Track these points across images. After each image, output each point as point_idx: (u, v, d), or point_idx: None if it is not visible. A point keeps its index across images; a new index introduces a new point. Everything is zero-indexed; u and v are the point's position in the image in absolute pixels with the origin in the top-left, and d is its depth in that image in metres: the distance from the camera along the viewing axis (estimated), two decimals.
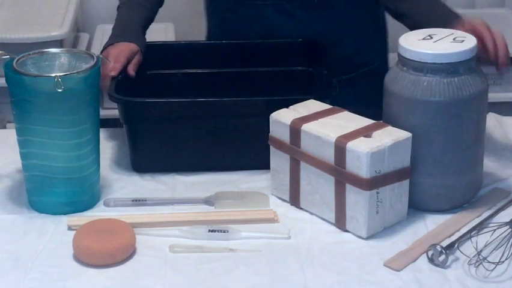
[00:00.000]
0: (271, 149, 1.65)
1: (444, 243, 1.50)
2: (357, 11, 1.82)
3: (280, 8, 1.95)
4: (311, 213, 1.62)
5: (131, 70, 1.82)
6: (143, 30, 1.92)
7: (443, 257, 1.47)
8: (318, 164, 1.56)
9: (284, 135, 1.61)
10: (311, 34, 1.94)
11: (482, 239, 1.52)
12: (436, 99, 1.55)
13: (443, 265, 1.47)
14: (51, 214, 1.62)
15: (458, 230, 1.56)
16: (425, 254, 1.50)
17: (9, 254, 1.52)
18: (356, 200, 1.53)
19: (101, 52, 1.86)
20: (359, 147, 1.50)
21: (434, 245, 1.48)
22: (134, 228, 1.54)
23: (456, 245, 1.50)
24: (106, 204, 1.66)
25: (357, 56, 1.97)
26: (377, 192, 1.52)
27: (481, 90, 1.58)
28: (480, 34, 1.65)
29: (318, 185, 1.58)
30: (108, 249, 1.48)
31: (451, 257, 1.48)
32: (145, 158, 1.76)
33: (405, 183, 1.57)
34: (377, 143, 1.51)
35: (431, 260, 1.48)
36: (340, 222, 1.57)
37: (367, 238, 1.55)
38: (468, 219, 1.60)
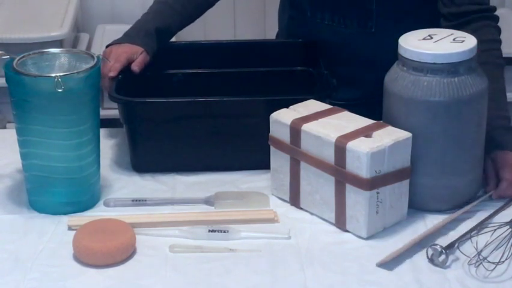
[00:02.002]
0: (271, 149, 1.65)
1: (444, 243, 1.50)
2: None
3: (336, 31, 1.96)
4: (311, 213, 1.62)
5: (135, 66, 1.82)
6: (161, 33, 1.89)
7: (443, 257, 1.47)
8: (318, 164, 1.56)
9: (284, 135, 1.61)
10: (363, 59, 1.95)
11: (482, 239, 1.52)
12: (436, 99, 1.55)
13: (443, 265, 1.47)
14: (51, 214, 1.62)
15: (455, 229, 1.56)
16: (422, 254, 1.50)
17: (9, 254, 1.52)
18: (356, 200, 1.53)
19: (106, 48, 1.86)
20: (359, 147, 1.50)
21: (434, 245, 1.48)
22: (134, 228, 1.54)
23: (456, 245, 1.50)
24: (106, 204, 1.66)
25: None
26: (377, 192, 1.52)
27: (481, 90, 1.57)
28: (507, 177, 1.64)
29: (318, 185, 1.58)
30: (108, 249, 1.48)
31: (451, 257, 1.48)
32: (145, 158, 1.76)
33: (405, 183, 1.57)
34: (377, 143, 1.51)
35: (431, 260, 1.48)
36: (340, 222, 1.57)
37: (367, 238, 1.55)
38: (464, 219, 1.59)
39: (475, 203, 1.62)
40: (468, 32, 1.64)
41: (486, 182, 1.66)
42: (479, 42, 1.62)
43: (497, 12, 1.86)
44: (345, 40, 1.96)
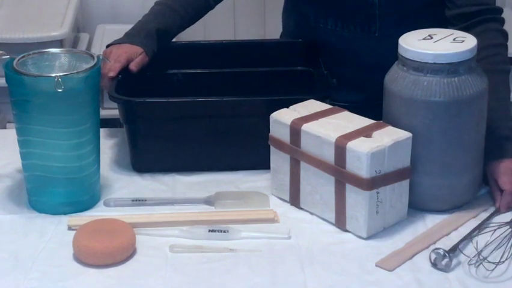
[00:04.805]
0: (271, 149, 1.65)
1: (444, 245, 1.50)
2: None
3: (339, 35, 1.96)
4: (311, 213, 1.62)
5: (133, 66, 1.82)
6: (161, 34, 1.89)
7: (446, 260, 1.46)
8: (318, 164, 1.56)
9: (284, 135, 1.61)
10: (367, 62, 1.95)
11: (482, 239, 1.52)
12: (436, 99, 1.55)
13: (447, 269, 1.46)
14: (51, 214, 1.62)
15: (456, 229, 1.56)
16: (422, 254, 1.50)
17: (9, 254, 1.52)
18: (356, 200, 1.53)
19: (106, 47, 1.86)
20: (359, 147, 1.50)
21: (436, 249, 1.47)
22: (134, 228, 1.54)
23: (459, 247, 1.50)
24: (106, 204, 1.66)
25: None
26: (377, 192, 1.52)
27: (481, 90, 1.57)
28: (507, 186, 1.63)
29: (318, 185, 1.58)
30: (108, 249, 1.48)
31: (453, 260, 1.47)
32: (145, 158, 1.76)
33: (405, 183, 1.57)
34: (377, 143, 1.51)
35: (434, 265, 1.47)
36: (340, 222, 1.57)
37: (367, 238, 1.55)
38: (464, 219, 1.60)
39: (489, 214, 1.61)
40: None
41: (493, 198, 1.64)
42: (480, 49, 1.60)
43: None
44: (349, 44, 1.96)
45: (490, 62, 1.70)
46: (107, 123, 1.94)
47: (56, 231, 1.58)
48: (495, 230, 1.52)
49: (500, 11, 1.82)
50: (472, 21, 1.79)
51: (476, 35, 1.66)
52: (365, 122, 1.59)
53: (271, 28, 2.97)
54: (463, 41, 1.59)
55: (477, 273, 1.45)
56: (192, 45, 2.04)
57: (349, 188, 1.53)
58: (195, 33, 2.51)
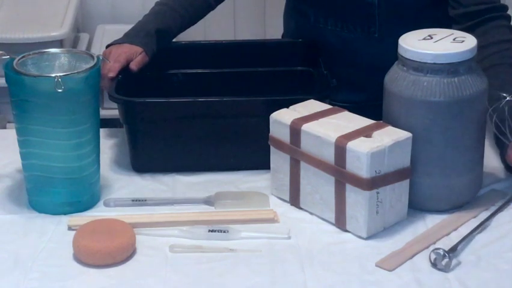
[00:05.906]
0: (271, 149, 1.65)
1: (444, 245, 1.50)
2: None
3: (339, 35, 1.96)
4: (311, 213, 1.62)
5: (133, 65, 1.82)
6: (161, 34, 1.89)
7: (446, 260, 1.46)
8: (318, 164, 1.56)
9: (284, 135, 1.61)
10: (367, 62, 1.95)
11: (483, 238, 1.52)
12: (436, 99, 1.55)
13: (447, 269, 1.46)
14: (51, 214, 1.62)
15: (456, 229, 1.56)
16: (422, 254, 1.50)
17: (9, 254, 1.52)
18: (356, 200, 1.53)
19: (106, 48, 1.87)
20: (359, 147, 1.50)
21: (436, 249, 1.47)
22: (134, 228, 1.54)
23: (458, 248, 1.49)
24: (106, 204, 1.66)
25: None
26: (377, 192, 1.52)
27: (481, 90, 1.57)
28: None
29: (318, 185, 1.58)
30: (108, 249, 1.48)
31: (453, 260, 1.47)
32: (145, 158, 1.76)
33: (405, 183, 1.57)
34: (377, 143, 1.51)
35: (434, 265, 1.47)
36: (340, 222, 1.57)
37: (367, 238, 1.55)
38: (464, 219, 1.60)
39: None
40: (478, 35, 1.63)
41: None
42: (490, 44, 1.59)
43: None
44: (349, 44, 1.96)
45: (500, 56, 1.70)
46: (107, 123, 1.94)
47: (56, 231, 1.58)
48: (495, 230, 1.52)
49: (506, 8, 1.83)
50: (478, 19, 1.79)
51: (484, 32, 1.66)
52: (365, 122, 1.59)
53: (272, 28, 2.98)
54: (463, 41, 1.59)
55: (477, 274, 1.45)
56: (192, 45, 2.04)
57: (349, 188, 1.53)
58: (195, 33, 2.52)
